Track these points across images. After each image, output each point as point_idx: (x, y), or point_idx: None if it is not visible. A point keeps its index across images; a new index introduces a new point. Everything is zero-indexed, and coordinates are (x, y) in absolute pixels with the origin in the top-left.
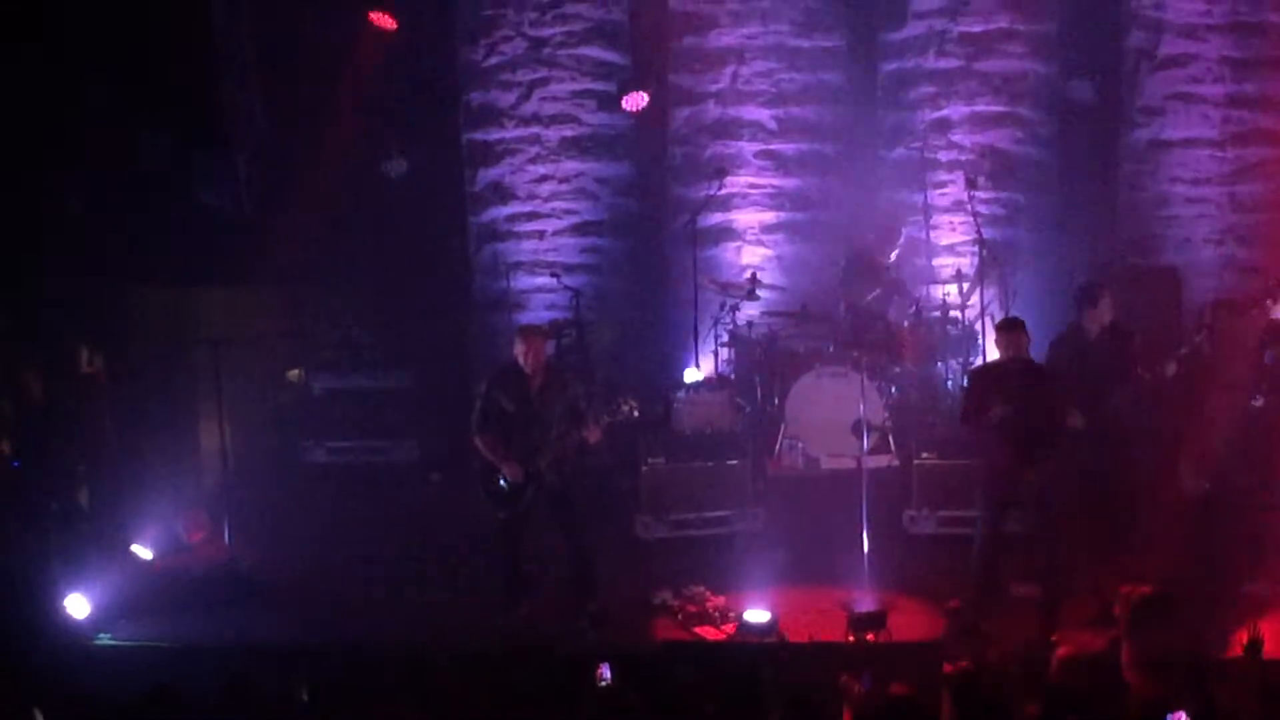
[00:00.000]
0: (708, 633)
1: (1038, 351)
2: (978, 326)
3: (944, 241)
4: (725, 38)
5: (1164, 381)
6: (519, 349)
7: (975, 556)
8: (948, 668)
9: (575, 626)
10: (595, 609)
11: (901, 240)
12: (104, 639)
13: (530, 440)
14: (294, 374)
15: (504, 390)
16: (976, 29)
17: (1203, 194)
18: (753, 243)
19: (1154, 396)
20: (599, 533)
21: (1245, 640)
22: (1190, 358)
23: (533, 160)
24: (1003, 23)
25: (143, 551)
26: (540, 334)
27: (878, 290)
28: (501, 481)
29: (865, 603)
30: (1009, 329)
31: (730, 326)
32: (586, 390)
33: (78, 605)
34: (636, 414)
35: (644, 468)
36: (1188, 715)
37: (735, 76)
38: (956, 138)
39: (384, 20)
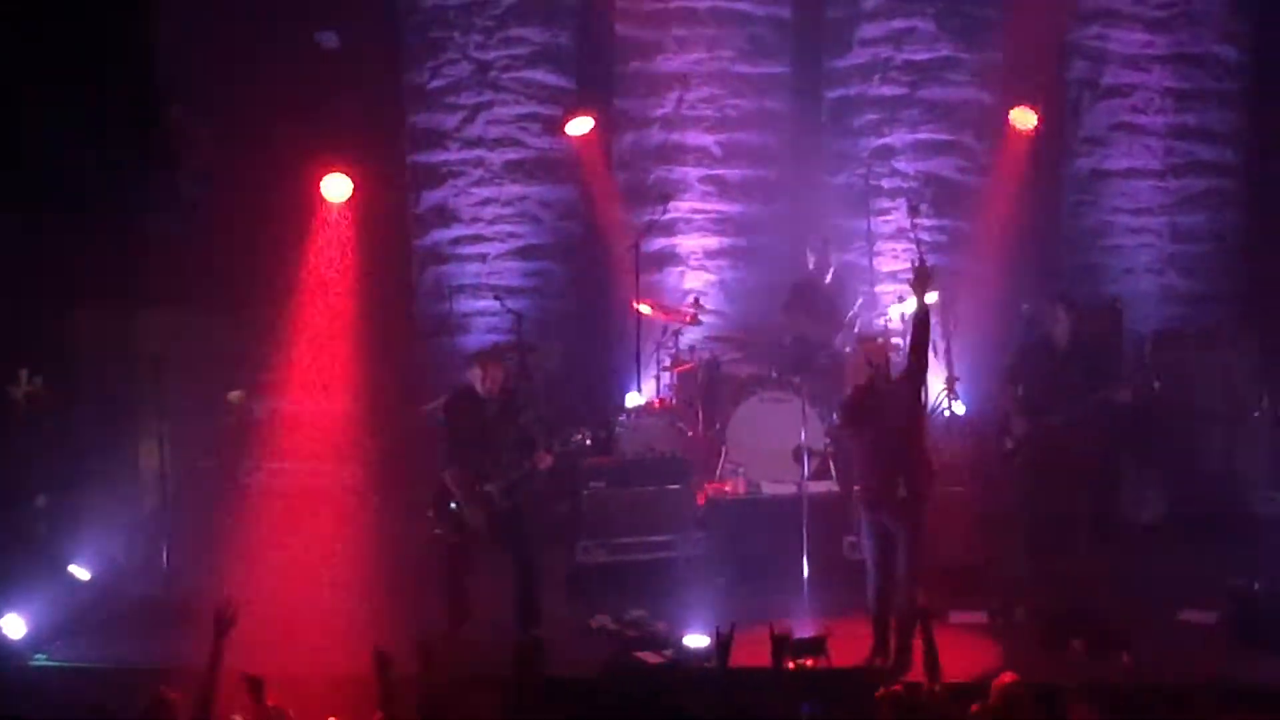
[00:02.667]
0: (647, 658)
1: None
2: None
3: (886, 269)
4: (671, 63)
5: (1115, 406)
6: (477, 374)
7: (870, 589)
8: (881, 691)
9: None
10: (538, 634)
11: (833, 258)
12: (40, 660)
13: (483, 465)
14: (235, 395)
15: (461, 415)
16: (920, 57)
17: (1144, 224)
18: (696, 268)
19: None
20: (539, 558)
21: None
22: (1142, 391)
23: (477, 183)
24: (946, 51)
25: (80, 572)
26: (497, 359)
27: (823, 319)
28: (453, 504)
29: (805, 628)
30: (869, 339)
31: (673, 351)
32: (537, 415)
33: (14, 625)
34: (589, 443)
35: (585, 492)
36: None
37: (680, 102)
38: (900, 165)
39: (329, 41)
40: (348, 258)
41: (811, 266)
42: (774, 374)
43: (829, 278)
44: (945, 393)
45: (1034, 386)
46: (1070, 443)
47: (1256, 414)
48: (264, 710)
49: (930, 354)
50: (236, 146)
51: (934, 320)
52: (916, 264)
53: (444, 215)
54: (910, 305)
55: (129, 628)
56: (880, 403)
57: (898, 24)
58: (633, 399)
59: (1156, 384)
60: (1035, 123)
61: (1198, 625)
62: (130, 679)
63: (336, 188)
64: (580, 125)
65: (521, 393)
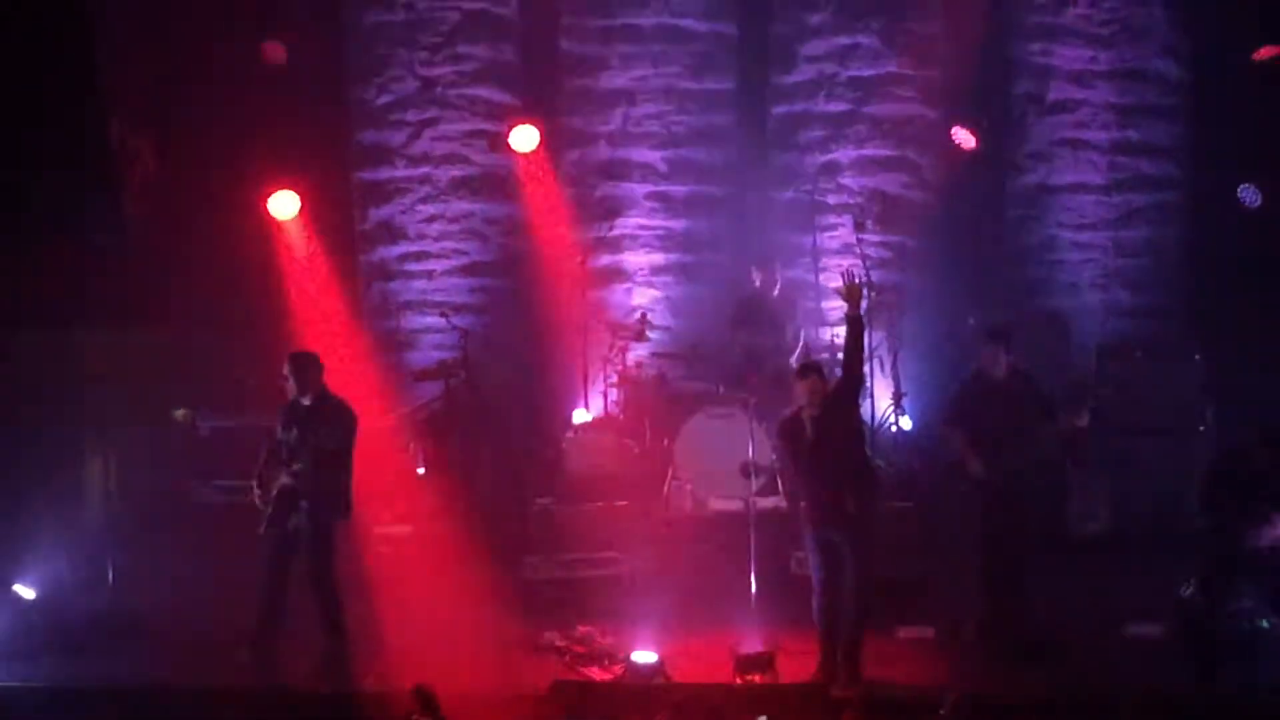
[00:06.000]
0: (595, 674)
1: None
2: (865, 369)
3: (833, 284)
4: (616, 79)
5: (1074, 430)
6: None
7: (816, 605)
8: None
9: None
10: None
11: (779, 274)
12: None
13: (290, 466)
14: (181, 414)
15: (283, 416)
16: (865, 73)
17: (1089, 239)
18: (643, 284)
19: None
20: (488, 573)
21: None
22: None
23: (423, 200)
24: (891, 67)
25: (25, 591)
26: (302, 359)
27: (769, 334)
28: (257, 497)
29: (752, 644)
30: (810, 373)
31: (619, 367)
32: (344, 434)
33: None
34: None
35: (533, 508)
36: None
37: (626, 118)
38: (845, 180)
39: (275, 52)
40: (294, 274)
41: (758, 283)
42: (720, 389)
43: (776, 291)
44: (891, 408)
45: (981, 426)
46: (1026, 474)
47: (1201, 428)
48: None
49: (876, 368)
50: (178, 162)
51: (880, 336)
52: (847, 277)
53: (390, 232)
54: None
55: (73, 648)
56: (819, 426)
57: (842, 40)
58: (580, 415)
59: (1104, 395)
60: (974, 142)
61: (1144, 639)
62: (74, 700)
63: (283, 204)
64: (525, 138)
65: (332, 407)
